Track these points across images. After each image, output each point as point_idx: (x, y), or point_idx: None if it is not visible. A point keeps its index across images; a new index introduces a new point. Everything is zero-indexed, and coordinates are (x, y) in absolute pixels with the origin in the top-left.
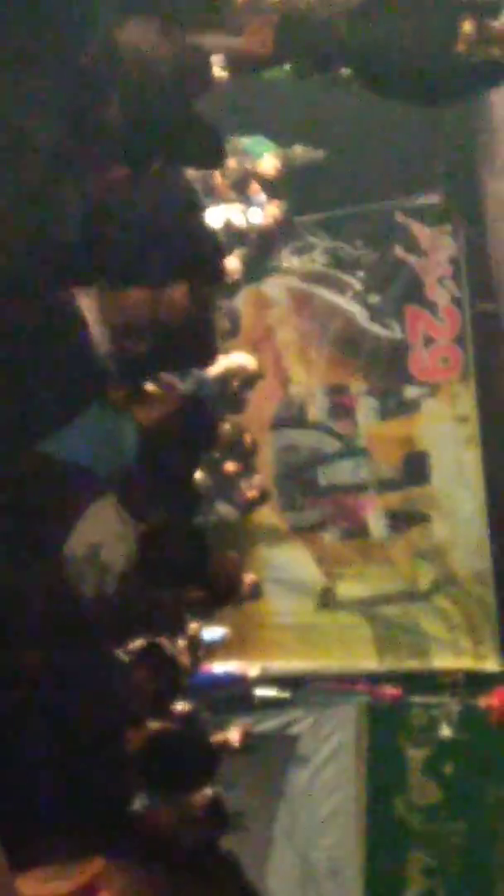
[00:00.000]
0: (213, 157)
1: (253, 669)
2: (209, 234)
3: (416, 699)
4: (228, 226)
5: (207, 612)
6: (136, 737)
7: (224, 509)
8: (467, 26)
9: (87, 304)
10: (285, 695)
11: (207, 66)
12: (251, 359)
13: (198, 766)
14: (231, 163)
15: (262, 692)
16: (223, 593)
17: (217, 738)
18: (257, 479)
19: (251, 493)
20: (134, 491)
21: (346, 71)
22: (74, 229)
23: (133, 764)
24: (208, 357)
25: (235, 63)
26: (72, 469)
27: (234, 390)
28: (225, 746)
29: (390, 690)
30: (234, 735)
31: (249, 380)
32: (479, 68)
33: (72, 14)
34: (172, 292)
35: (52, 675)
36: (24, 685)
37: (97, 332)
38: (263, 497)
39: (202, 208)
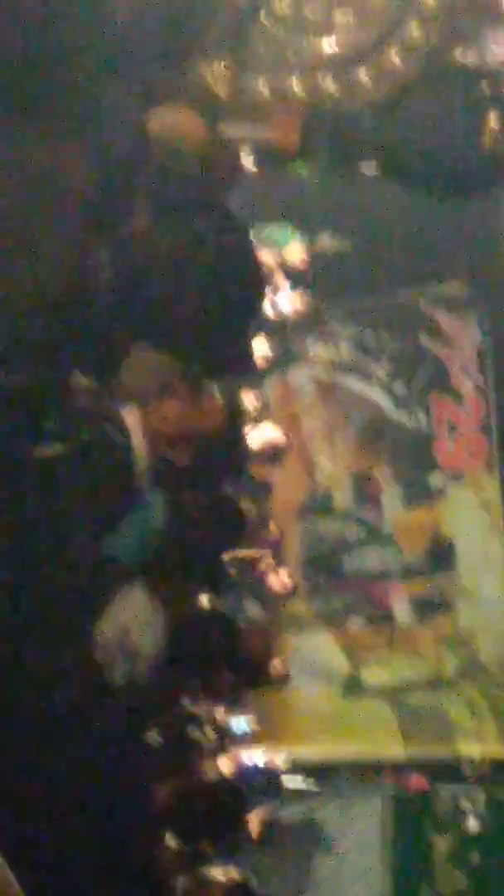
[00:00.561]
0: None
1: (279, 758)
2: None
3: (442, 789)
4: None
5: (235, 697)
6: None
7: (251, 604)
8: (493, 119)
9: (131, 419)
10: (312, 786)
11: (235, 156)
12: (278, 432)
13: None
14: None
15: (289, 782)
16: (252, 676)
17: None
18: (285, 573)
19: (280, 588)
20: (162, 577)
21: (371, 164)
22: (108, 284)
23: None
24: (241, 468)
25: (262, 154)
26: (100, 556)
27: (262, 470)
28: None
29: (416, 780)
30: (253, 823)
31: (278, 454)
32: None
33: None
34: (209, 403)
35: (80, 761)
36: (55, 767)
37: (139, 444)
38: (292, 591)
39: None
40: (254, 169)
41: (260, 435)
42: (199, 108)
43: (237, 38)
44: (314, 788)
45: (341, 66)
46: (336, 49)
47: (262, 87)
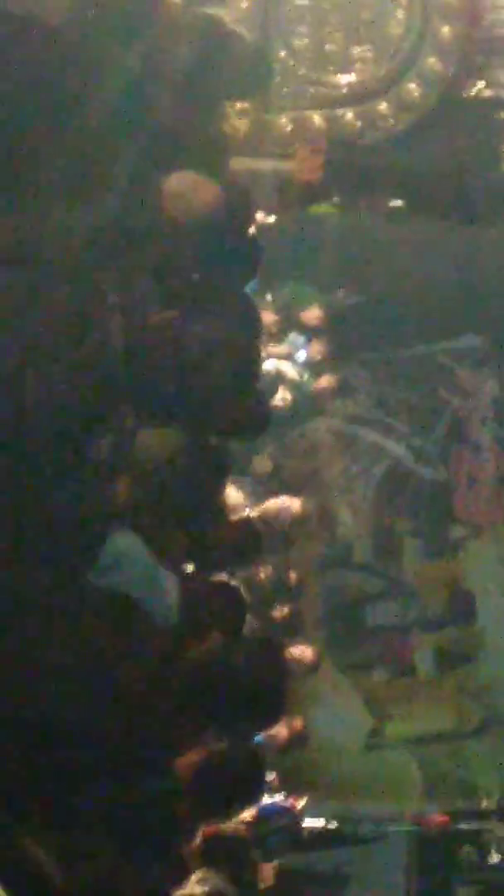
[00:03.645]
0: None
1: (300, 803)
2: (256, 393)
3: (464, 826)
4: (273, 373)
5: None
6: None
7: None
8: None
9: None
10: (333, 825)
11: (250, 209)
12: (297, 502)
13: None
14: (269, 316)
15: (310, 823)
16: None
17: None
18: (308, 648)
19: (304, 657)
20: None
21: (392, 202)
22: (115, 358)
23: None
24: None
25: (286, 192)
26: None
27: (281, 531)
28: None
29: (438, 818)
30: (267, 872)
31: (296, 523)
32: None
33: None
34: None
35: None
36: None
37: None
38: (315, 666)
39: (255, 365)
40: (271, 220)
41: (277, 504)
42: (214, 167)
43: (258, 76)
44: (334, 826)
45: (361, 99)
46: (355, 82)
47: (285, 122)
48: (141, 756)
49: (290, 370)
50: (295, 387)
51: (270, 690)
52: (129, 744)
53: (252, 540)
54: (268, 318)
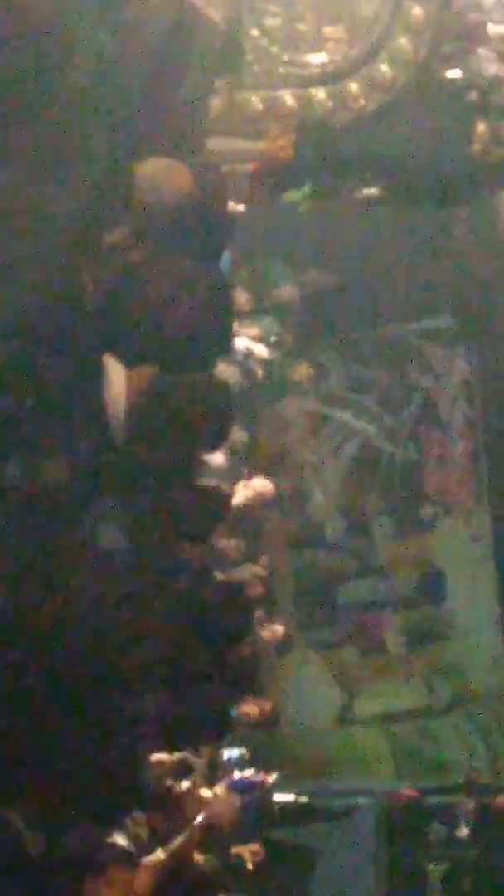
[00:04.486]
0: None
1: (271, 777)
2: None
3: (433, 802)
4: (244, 353)
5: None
6: None
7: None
8: (481, 127)
9: None
10: (304, 800)
11: (224, 191)
12: (269, 484)
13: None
14: (241, 294)
15: (281, 798)
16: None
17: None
18: (278, 625)
19: (275, 635)
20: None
21: (364, 190)
22: (93, 303)
23: None
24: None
25: (259, 172)
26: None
27: (255, 519)
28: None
29: (407, 793)
30: (245, 853)
31: (269, 504)
32: (493, 167)
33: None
34: None
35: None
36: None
37: None
38: (287, 643)
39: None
40: (241, 208)
41: (250, 488)
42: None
43: (230, 55)
44: (305, 801)
45: (332, 78)
46: (327, 62)
47: (256, 101)
48: (114, 698)
49: (260, 348)
50: (265, 365)
51: (235, 624)
52: (105, 687)
53: (219, 503)
54: (240, 296)
